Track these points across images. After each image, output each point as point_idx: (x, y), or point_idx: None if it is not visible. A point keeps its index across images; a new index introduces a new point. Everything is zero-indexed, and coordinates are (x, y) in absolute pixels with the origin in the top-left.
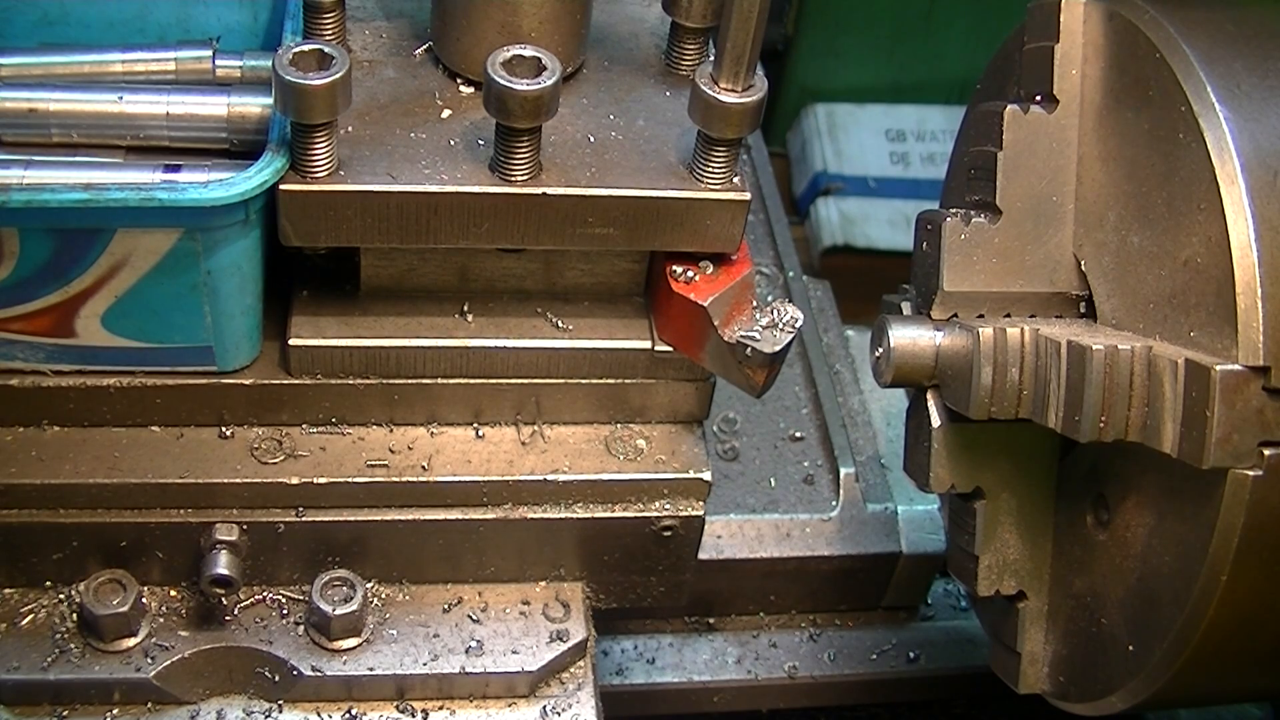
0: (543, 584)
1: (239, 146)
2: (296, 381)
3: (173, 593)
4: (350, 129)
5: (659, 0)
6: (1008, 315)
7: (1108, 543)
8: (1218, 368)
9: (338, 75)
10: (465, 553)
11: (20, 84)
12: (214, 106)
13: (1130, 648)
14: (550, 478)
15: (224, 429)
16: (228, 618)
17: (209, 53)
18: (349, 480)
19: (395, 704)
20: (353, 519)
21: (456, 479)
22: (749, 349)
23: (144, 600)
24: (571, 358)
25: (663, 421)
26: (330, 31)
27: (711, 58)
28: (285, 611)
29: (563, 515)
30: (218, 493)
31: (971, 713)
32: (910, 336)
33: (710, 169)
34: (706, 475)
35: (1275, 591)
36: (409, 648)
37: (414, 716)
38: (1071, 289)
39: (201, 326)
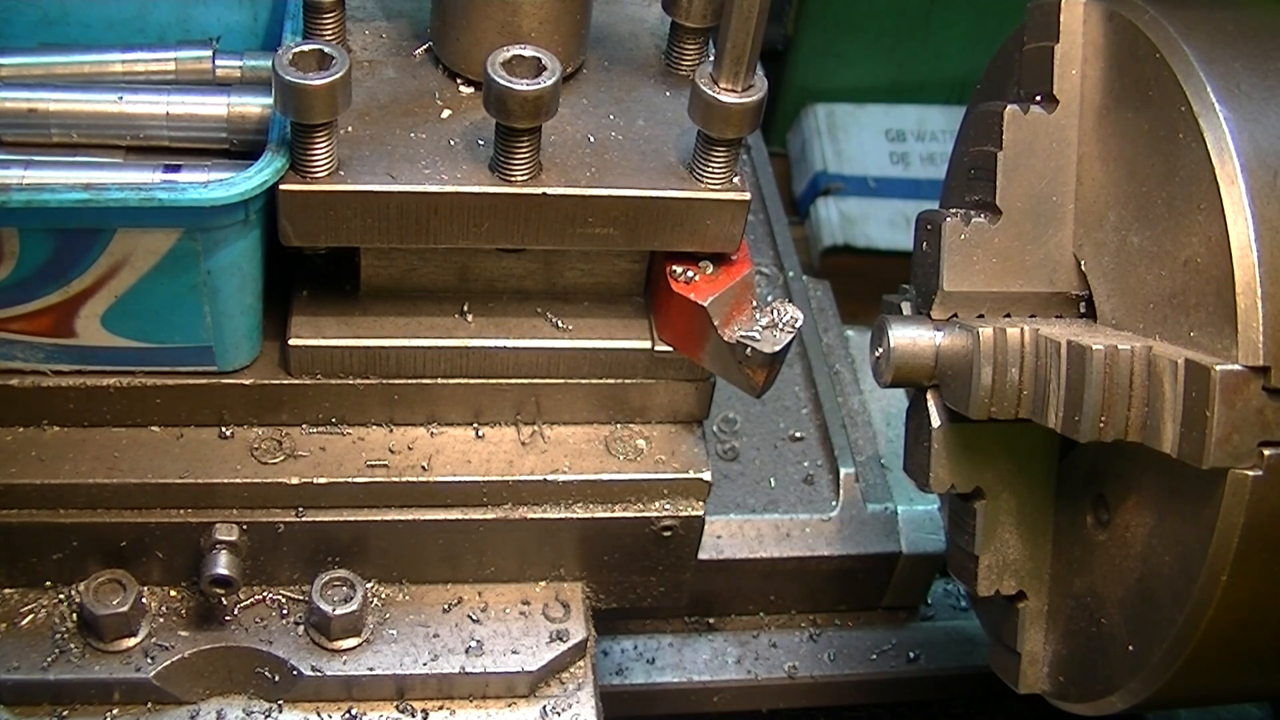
0: (543, 584)
1: (239, 146)
2: (296, 381)
3: (173, 593)
4: (350, 129)
5: (659, 0)
6: (1008, 315)
7: (1108, 543)
8: (1218, 368)
9: (338, 75)
10: (465, 553)
11: (20, 84)
12: (214, 106)
13: (1130, 648)
14: (550, 478)
15: (224, 429)
16: (228, 618)
17: (209, 53)
18: (349, 480)
19: (395, 704)
20: (353, 519)
21: (456, 479)
22: (749, 349)
23: (144, 600)
24: (571, 358)
25: (663, 421)
26: (330, 31)
27: (711, 58)
28: (285, 611)
29: (563, 515)
30: (218, 493)
31: (971, 713)
32: (910, 336)
33: (710, 169)
34: (706, 475)
35: (1275, 591)
36: (409, 648)
37: (414, 716)
38: (1071, 289)
39: (201, 326)
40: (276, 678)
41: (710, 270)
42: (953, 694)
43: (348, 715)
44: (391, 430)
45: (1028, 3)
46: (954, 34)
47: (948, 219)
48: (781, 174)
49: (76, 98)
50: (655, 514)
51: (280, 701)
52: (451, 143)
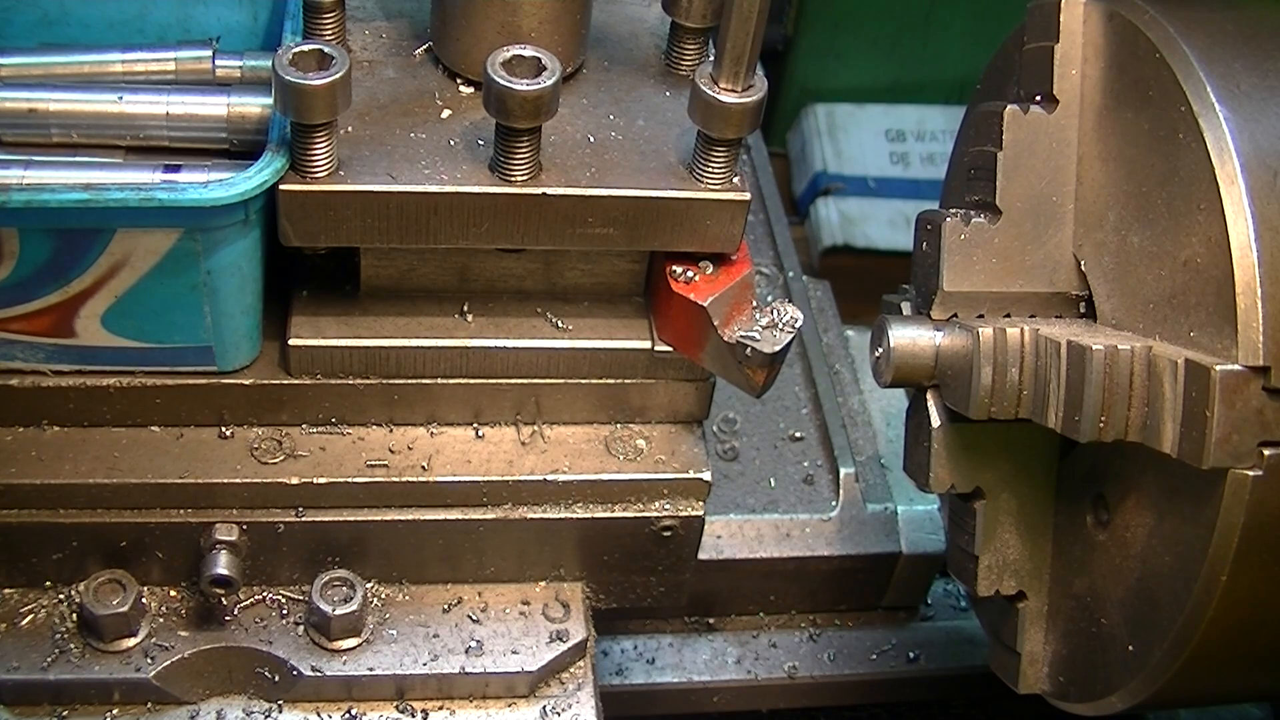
0: (543, 584)
1: (239, 146)
2: (296, 381)
3: (173, 593)
4: (350, 129)
5: (659, 0)
6: (1008, 315)
7: (1108, 543)
8: (1218, 368)
9: (338, 75)
10: (465, 553)
11: (20, 84)
12: (214, 106)
13: (1130, 648)
14: (550, 478)
15: (224, 429)
16: (228, 618)
17: (209, 53)
18: (349, 480)
19: (395, 704)
20: (353, 519)
21: (456, 479)
22: (749, 349)
23: (144, 600)
24: (571, 358)
25: (663, 421)
26: (330, 31)
27: (711, 58)
28: (285, 611)
29: (563, 515)
30: (218, 493)
31: (971, 713)
32: (910, 336)
33: (710, 169)
34: (706, 475)
35: (1275, 591)
36: (409, 648)
37: (414, 716)
38: (1071, 289)
39: (201, 326)
40: (276, 678)
41: (710, 270)
42: (953, 694)
43: (348, 715)
44: (391, 430)
45: (1028, 3)
46: (954, 34)
47: (948, 219)
48: (781, 174)
49: (76, 98)
50: (655, 514)
51: (280, 701)
52: (451, 143)
